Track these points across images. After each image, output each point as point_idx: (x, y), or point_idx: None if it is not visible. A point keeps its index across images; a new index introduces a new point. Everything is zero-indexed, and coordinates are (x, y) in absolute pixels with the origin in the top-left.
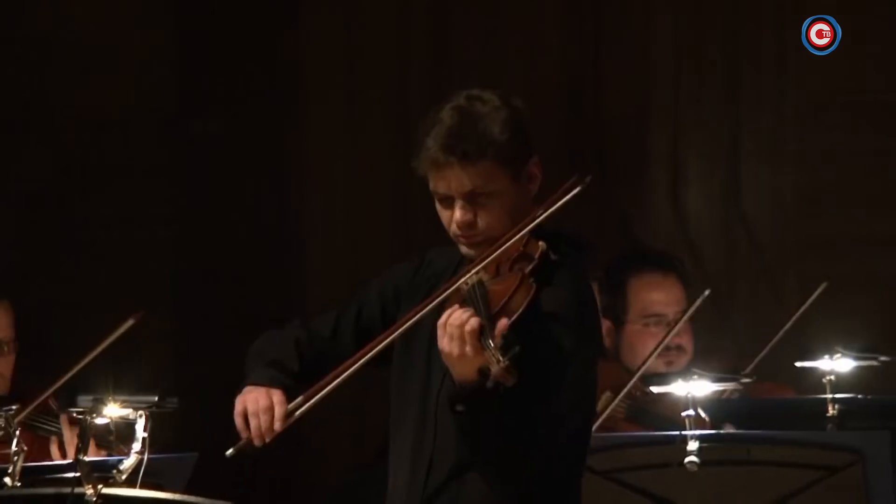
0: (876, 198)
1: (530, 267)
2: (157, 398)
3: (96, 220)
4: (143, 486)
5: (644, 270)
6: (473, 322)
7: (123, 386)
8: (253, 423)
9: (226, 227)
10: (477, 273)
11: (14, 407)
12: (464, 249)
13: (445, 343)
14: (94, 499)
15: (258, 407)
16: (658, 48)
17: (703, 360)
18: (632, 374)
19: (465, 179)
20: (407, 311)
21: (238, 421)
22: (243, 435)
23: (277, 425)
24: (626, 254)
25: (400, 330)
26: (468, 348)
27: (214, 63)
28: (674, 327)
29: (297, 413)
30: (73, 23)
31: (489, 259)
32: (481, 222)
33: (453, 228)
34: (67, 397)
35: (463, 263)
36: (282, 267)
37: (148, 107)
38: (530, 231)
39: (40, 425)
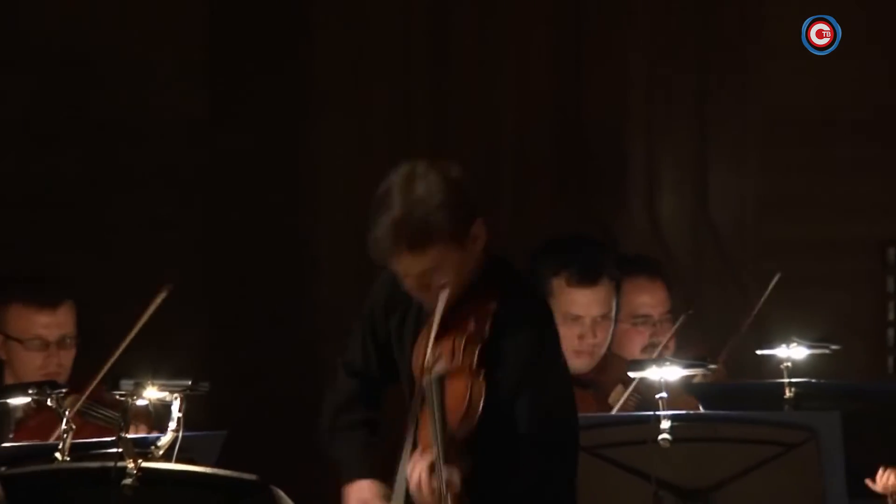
0: (828, 205)
1: (479, 349)
2: (190, 382)
3: (131, 223)
4: (177, 461)
5: (634, 275)
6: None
7: (161, 372)
8: None
9: (249, 229)
10: (437, 363)
11: (64, 390)
12: (425, 305)
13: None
14: (135, 471)
15: None
16: (634, 72)
17: (676, 349)
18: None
19: (416, 264)
20: (396, 321)
21: None
22: None
23: None
24: (618, 259)
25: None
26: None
27: (239, 78)
28: (663, 335)
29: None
30: (112, 40)
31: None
32: (434, 284)
33: (414, 294)
34: (112, 382)
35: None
36: (297, 265)
37: (179, 119)
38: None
39: (92, 413)
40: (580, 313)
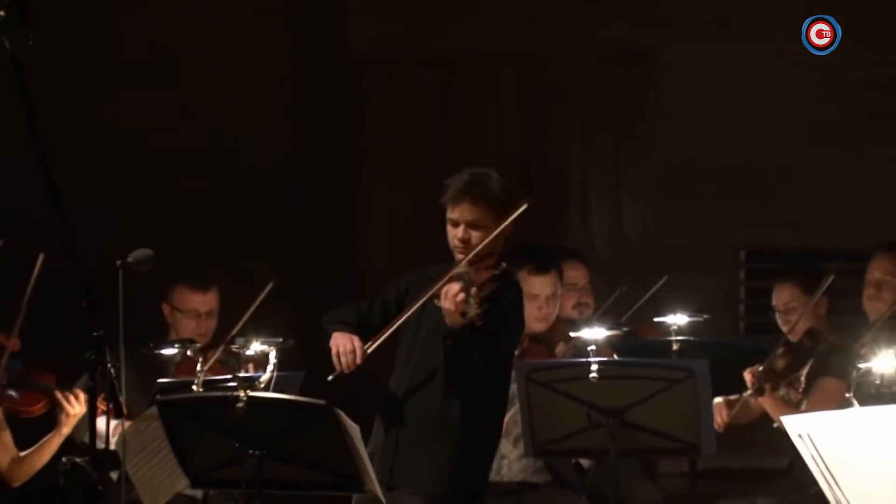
0: (701, 222)
1: (496, 272)
2: (281, 340)
3: (235, 244)
4: (272, 392)
5: (567, 259)
6: (462, 291)
7: (262, 333)
8: (343, 360)
9: (322, 238)
10: (464, 267)
11: (198, 345)
12: (458, 257)
13: (445, 302)
14: (245, 398)
15: (345, 349)
16: (573, 136)
17: (601, 316)
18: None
19: (468, 213)
20: (415, 296)
21: (334, 357)
22: (337, 367)
23: (359, 360)
24: (559, 250)
25: (419, 303)
26: (456, 304)
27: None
28: (586, 297)
29: (369, 351)
30: (213, 86)
31: (473, 254)
32: (473, 240)
33: (455, 242)
34: (232, 340)
35: (453, 267)
36: (352, 269)
37: (268, 157)
38: (493, 251)
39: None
40: (537, 293)
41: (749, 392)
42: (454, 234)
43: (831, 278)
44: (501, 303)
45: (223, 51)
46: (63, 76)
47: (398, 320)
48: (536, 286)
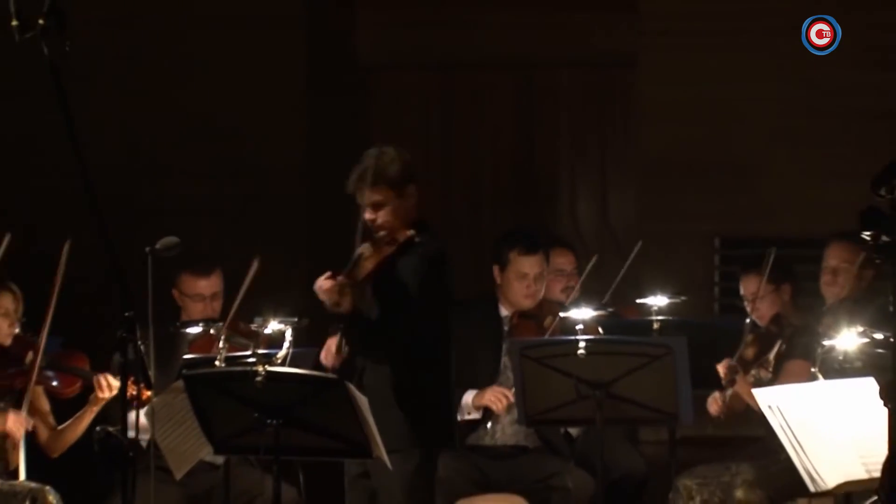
0: (678, 212)
1: (394, 247)
2: (296, 319)
3: (255, 234)
4: (288, 367)
5: (556, 246)
6: (334, 285)
7: (279, 313)
8: (329, 362)
9: (330, 236)
10: (363, 248)
11: (220, 323)
12: (380, 234)
13: (321, 295)
14: (263, 372)
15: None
16: (562, 136)
17: (587, 298)
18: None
19: (371, 196)
20: None
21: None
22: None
23: (340, 358)
24: (548, 238)
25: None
26: (328, 295)
27: (320, 145)
28: (573, 281)
29: (344, 352)
30: (234, 90)
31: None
32: (379, 220)
33: (369, 225)
34: (248, 318)
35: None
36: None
37: (285, 155)
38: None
39: (233, 339)
40: (526, 272)
41: (724, 384)
42: (368, 218)
43: (773, 252)
44: (398, 284)
45: (244, 58)
46: (96, 80)
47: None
48: (525, 266)
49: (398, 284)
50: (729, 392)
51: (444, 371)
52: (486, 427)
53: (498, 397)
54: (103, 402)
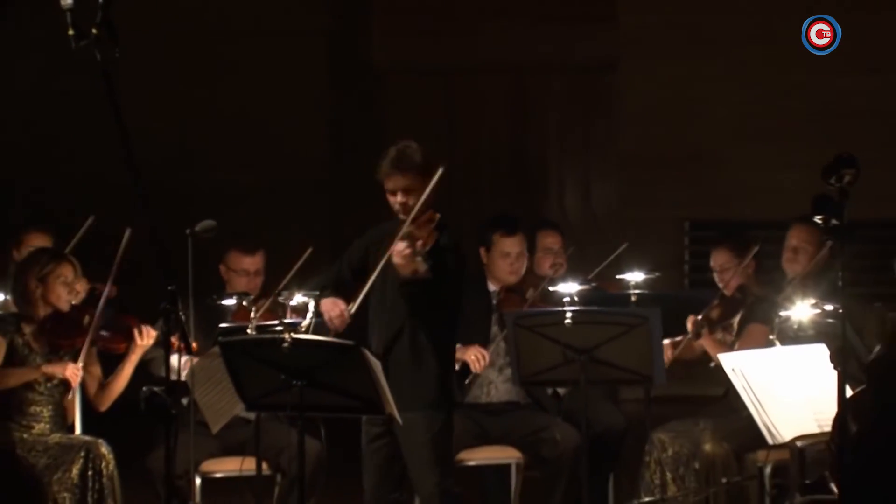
0: (653, 200)
1: (434, 223)
2: (318, 293)
3: (282, 218)
4: (310, 334)
5: (545, 228)
6: (408, 247)
7: (304, 287)
8: (333, 324)
9: (350, 218)
10: (408, 227)
11: (251, 296)
12: (402, 217)
13: (396, 258)
14: (289, 339)
15: (332, 314)
16: (550, 128)
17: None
18: (538, 281)
19: (399, 182)
20: (376, 253)
21: (326, 319)
22: (330, 329)
23: (347, 319)
24: (539, 221)
25: (381, 264)
26: (405, 259)
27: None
28: (560, 258)
29: (352, 311)
30: (264, 91)
31: (413, 217)
32: (410, 202)
33: (396, 207)
34: (279, 293)
35: (399, 226)
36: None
37: (310, 148)
38: (428, 206)
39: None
40: (508, 251)
41: (690, 336)
42: (394, 202)
43: (757, 247)
44: (444, 255)
45: (274, 62)
46: (142, 82)
47: (368, 281)
48: (507, 246)
49: (443, 255)
50: (683, 343)
51: (454, 338)
52: (465, 383)
53: (477, 356)
54: (142, 351)
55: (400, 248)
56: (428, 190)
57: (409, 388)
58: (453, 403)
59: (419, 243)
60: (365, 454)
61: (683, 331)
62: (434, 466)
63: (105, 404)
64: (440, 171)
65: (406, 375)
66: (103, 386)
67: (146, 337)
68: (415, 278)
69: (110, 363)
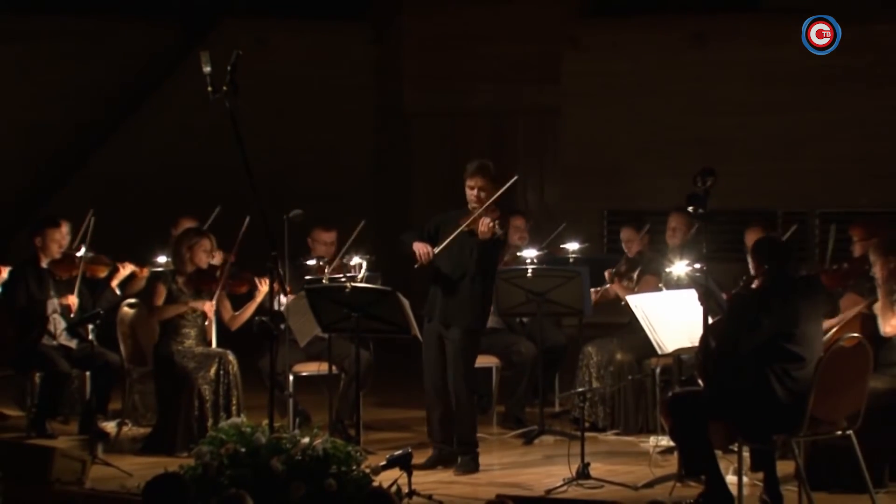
0: (587, 197)
1: (498, 213)
2: (369, 256)
3: (341, 210)
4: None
5: (515, 214)
6: (492, 222)
7: (359, 252)
8: (422, 258)
9: (387, 209)
10: (483, 211)
11: (326, 259)
12: (474, 206)
13: (482, 227)
14: (350, 286)
15: (423, 250)
16: (519, 152)
17: (533, 244)
18: (512, 249)
19: (478, 180)
20: (446, 229)
21: (417, 255)
22: (419, 261)
23: (432, 257)
24: (513, 210)
25: (461, 228)
26: (489, 228)
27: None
28: (525, 233)
29: (436, 251)
30: (328, 120)
31: (488, 204)
32: (483, 195)
33: (472, 200)
34: (342, 257)
35: (468, 213)
36: (407, 221)
37: (359, 164)
38: (497, 200)
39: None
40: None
41: (607, 285)
42: (472, 196)
43: (648, 226)
44: (502, 228)
45: (329, 100)
46: (251, 124)
47: (447, 240)
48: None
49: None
50: (603, 289)
51: (494, 279)
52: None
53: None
54: (259, 298)
55: (486, 220)
56: (501, 190)
57: (457, 309)
58: (484, 325)
59: (495, 221)
60: (424, 347)
61: (603, 281)
62: (463, 365)
63: (234, 327)
64: (514, 179)
65: (458, 300)
66: (234, 316)
67: (264, 286)
68: (491, 239)
69: (237, 302)
